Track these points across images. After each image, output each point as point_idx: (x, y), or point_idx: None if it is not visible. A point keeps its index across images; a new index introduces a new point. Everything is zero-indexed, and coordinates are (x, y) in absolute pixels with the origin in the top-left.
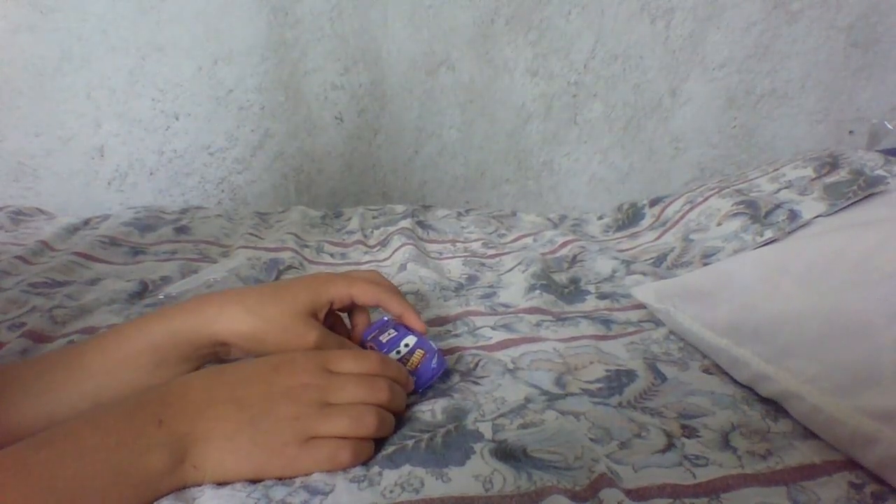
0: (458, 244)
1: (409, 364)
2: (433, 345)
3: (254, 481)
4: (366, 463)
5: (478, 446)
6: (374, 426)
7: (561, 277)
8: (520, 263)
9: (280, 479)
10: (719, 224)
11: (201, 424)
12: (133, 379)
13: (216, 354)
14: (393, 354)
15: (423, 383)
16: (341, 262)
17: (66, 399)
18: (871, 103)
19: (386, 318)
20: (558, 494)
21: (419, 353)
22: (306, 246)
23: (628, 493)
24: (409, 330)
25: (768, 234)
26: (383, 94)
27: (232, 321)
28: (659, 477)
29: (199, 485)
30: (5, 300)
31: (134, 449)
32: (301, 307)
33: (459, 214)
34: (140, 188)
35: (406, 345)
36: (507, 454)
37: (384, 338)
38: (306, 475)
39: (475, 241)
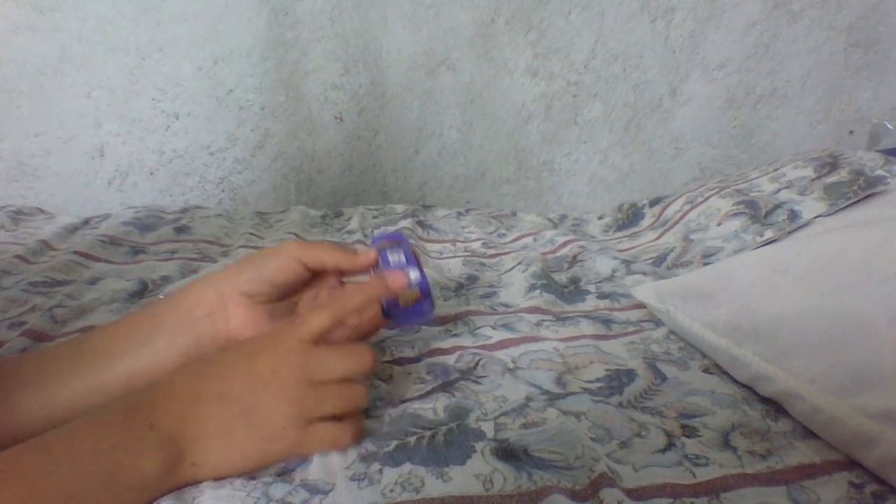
0: (458, 244)
1: (401, 299)
2: (431, 288)
3: (252, 477)
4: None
5: (479, 445)
6: (364, 400)
7: (561, 277)
8: (520, 263)
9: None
10: (719, 224)
11: (192, 425)
12: (131, 357)
13: (211, 319)
14: None
15: (404, 322)
16: None
17: (69, 390)
18: (871, 103)
19: (401, 235)
20: (558, 494)
21: (416, 292)
22: None
23: (628, 492)
24: (417, 261)
25: (768, 234)
26: (383, 94)
27: (232, 264)
28: (659, 476)
29: (202, 481)
30: (5, 299)
31: (128, 452)
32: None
33: (459, 214)
34: (140, 188)
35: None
36: (507, 453)
37: (392, 258)
38: (308, 456)
39: (475, 240)
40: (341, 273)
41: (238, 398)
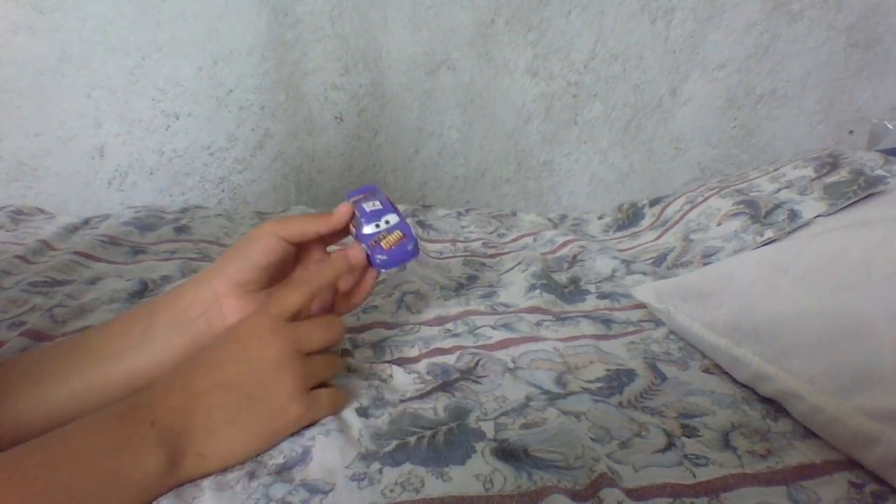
0: (458, 244)
1: (384, 241)
2: (412, 230)
3: (253, 477)
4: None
5: (479, 445)
6: (341, 366)
7: (561, 277)
8: (520, 263)
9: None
10: (719, 224)
11: (195, 418)
12: (129, 357)
13: (206, 317)
14: (371, 227)
15: (392, 264)
16: None
17: (67, 389)
18: (871, 103)
19: (375, 187)
20: (558, 494)
21: (398, 234)
22: None
23: (628, 492)
24: (394, 207)
25: (768, 233)
26: (383, 94)
27: (219, 259)
28: (659, 476)
29: (210, 472)
30: (5, 299)
31: (129, 451)
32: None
33: (459, 214)
34: (140, 188)
35: (387, 221)
36: (507, 454)
37: (368, 206)
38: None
39: (475, 240)
40: (324, 239)
41: (239, 383)
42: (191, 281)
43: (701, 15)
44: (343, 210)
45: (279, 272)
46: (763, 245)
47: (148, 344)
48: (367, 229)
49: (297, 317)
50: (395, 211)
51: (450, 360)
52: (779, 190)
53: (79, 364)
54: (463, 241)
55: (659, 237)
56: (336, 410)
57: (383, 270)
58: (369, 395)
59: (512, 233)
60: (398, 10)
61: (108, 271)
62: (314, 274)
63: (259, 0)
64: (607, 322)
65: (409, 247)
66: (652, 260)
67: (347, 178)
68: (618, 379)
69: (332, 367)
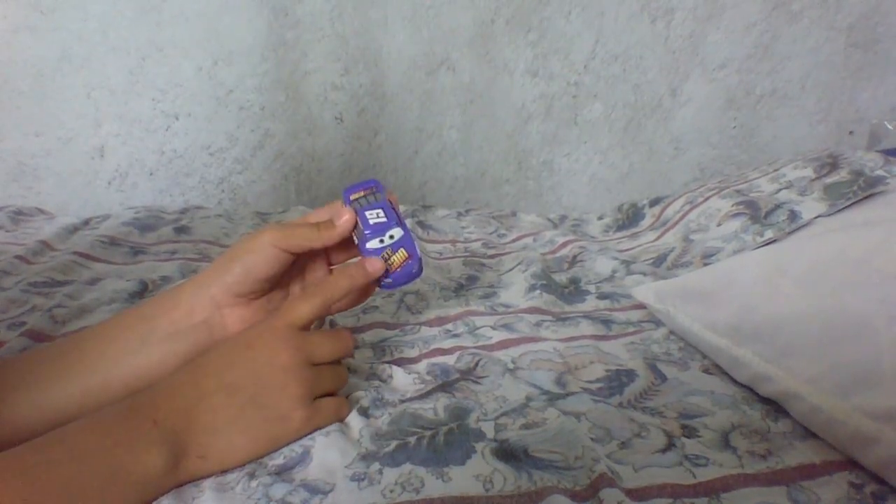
0: (458, 244)
1: (389, 261)
2: (417, 246)
3: (253, 477)
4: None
5: (479, 445)
6: (346, 379)
7: (561, 277)
8: (520, 263)
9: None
10: (719, 224)
11: (198, 418)
12: (128, 361)
13: (207, 325)
14: (375, 242)
15: (395, 285)
16: None
17: (64, 392)
18: (872, 104)
19: (374, 182)
20: (558, 494)
21: (402, 253)
22: None
23: (628, 492)
24: (397, 215)
25: (768, 234)
26: (383, 94)
27: (215, 264)
28: (659, 477)
29: (209, 474)
30: (5, 299)
31: (131, 449)
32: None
33: (459, 214)
34: (140, 188)
35: (391, 236)
36: (507, 454)
37: (371, 217)
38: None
39: (475, 241)
40: (326, 249)
41: (244, 387)
42: (187, 285)
43: (701, 15)
44: (345, 221)
45: (280, 280)
46: (763, 245)
47: (147, 349)
48: (372, 244)
49: (308, 326)
50: (400, 223)
51: (450, 360)
52: (779, 190)
53: (77, 367)
54: (463, 242)
55: (659, 237)
56: (339, 419)
57: (385, 288)
58: (369, 395)
59: (512, 233)
60: (398, 10)
61: (108, 272)
62: (329, 284)
63: (259, 0)
64: (607, 322)
65: (414, 269)
66: (652, 260)
67: (347, 178)
68: (618, 379)
69: (339, 380)
